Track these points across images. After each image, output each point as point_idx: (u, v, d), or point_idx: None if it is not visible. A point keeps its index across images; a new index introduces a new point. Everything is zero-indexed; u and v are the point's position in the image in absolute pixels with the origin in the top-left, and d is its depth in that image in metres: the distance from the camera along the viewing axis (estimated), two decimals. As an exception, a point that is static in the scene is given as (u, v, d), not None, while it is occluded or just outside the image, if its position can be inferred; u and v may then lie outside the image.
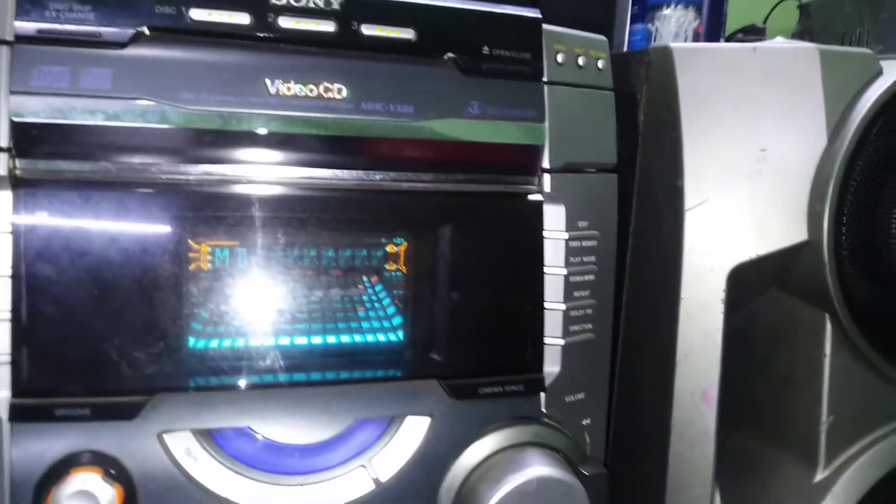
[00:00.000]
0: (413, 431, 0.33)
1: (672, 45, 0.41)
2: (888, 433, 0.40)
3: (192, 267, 0.31)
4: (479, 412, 0.34)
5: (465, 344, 0.34)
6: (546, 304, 0.36)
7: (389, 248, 0.34)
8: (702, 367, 0.41)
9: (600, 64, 0.38)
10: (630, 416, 0.46)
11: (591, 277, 0.38)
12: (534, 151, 0.35)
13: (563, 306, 0.36)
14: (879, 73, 0.40)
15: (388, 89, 0.32)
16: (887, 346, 0.39)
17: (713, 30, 0.61)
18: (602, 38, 0.38)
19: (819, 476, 0.40)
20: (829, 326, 0.40)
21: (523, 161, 0.35)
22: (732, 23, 0.65)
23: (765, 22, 0.84)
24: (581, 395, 0.38)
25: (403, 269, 0.35)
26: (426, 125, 0.33)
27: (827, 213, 0.38)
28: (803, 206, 0.39)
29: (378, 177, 0.33)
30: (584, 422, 0.39)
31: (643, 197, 0.45)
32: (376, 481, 0.32)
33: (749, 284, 0.42)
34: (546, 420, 0.36)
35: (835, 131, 0.39)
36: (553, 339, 0.36)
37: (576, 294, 0.37)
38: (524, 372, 0.35)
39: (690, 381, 0.42)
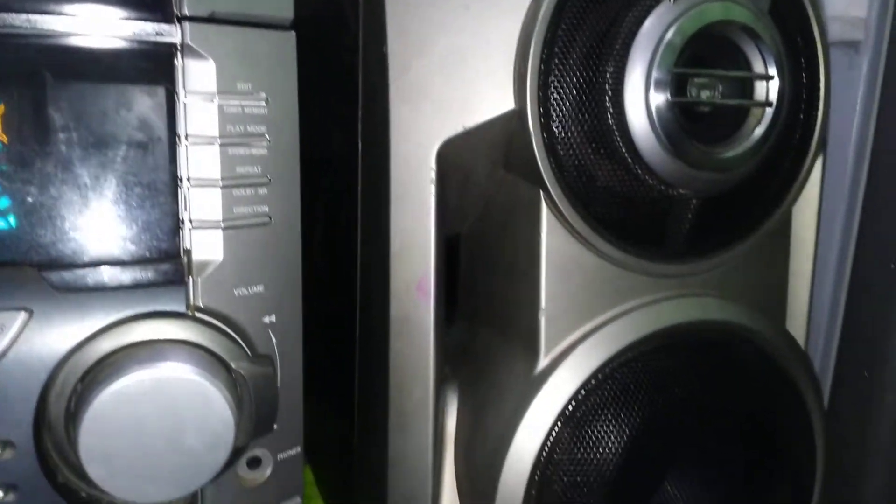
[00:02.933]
0: (2, 330, 0.27)
1: None
2: (609, 319, 0.38)
3: None
4: (97, 306, 0.29)
5: (77, 226, 0.29)
6: (191, 180, 0.31)
7: (-19, 112, 0.28)
8: (417, 255, 0.37)
9: None
10: (367, 317, 0.42)
11: (261, 151, 0.32)
12: (158, -9, 0.29)
13: (220, 183, 0.31)
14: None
15: None
16: (605, 223, 0.36)
17: None
18: None
19: (540, 366, 0.37)
20: (543, 205, 0.36)
21: (145, 4, 0.29)
22: None
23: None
24: (259, 289, 0.33)
25: (3, 137, 0.28)
26: (-11, -53, 0.26)
27: (530, 75, 0.34)
28: (510, 70, 0.35)
29: (-61, 16, 0.27)
30: (267, 319, 0.34)
31: (366, 71, 0.40)
32: (-54, 391, 0.27)
33: (466, 164, 0.38)
34: (193, 315, 0.31)
35: (541, -19, 0.34)
36: (207, 221, 0.31)
37: (240, 170, 0.32)
38: (157, 259, 0.30)
39: (405, 272, 0.38)
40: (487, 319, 0.42)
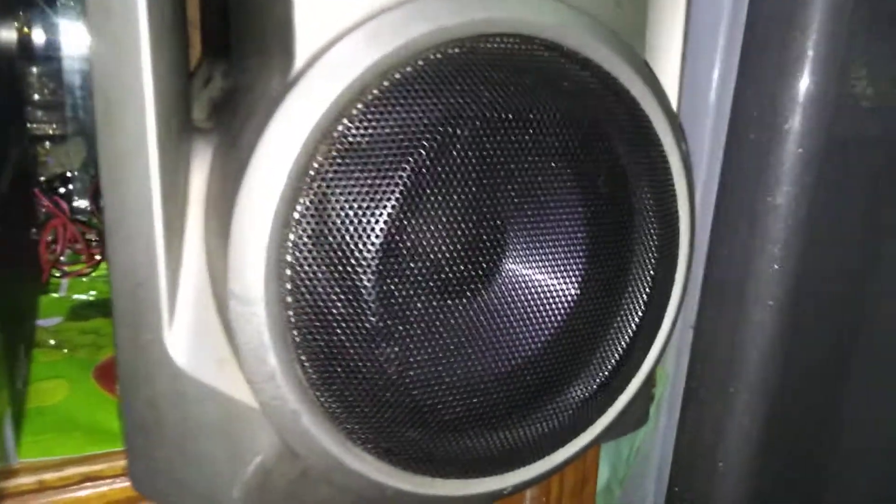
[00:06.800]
0: None
1: None
2: (395, 5, 0.27)
3: None
4: None
5: None
6: None
7: None
8: None
9: None
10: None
11: None
12: None
13: None
14: None
15: None
16: None
17: None
18: None
19: (295, 69, 0.27)
20: None
21: None
22: None
23: None
24: None
25: None
26: None
27: None
28: None
29: None
30: None
31: None
32: None
33: None
34: None
35: None
36: None
37: None
38: None
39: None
40: (248, 40, 0.31)
